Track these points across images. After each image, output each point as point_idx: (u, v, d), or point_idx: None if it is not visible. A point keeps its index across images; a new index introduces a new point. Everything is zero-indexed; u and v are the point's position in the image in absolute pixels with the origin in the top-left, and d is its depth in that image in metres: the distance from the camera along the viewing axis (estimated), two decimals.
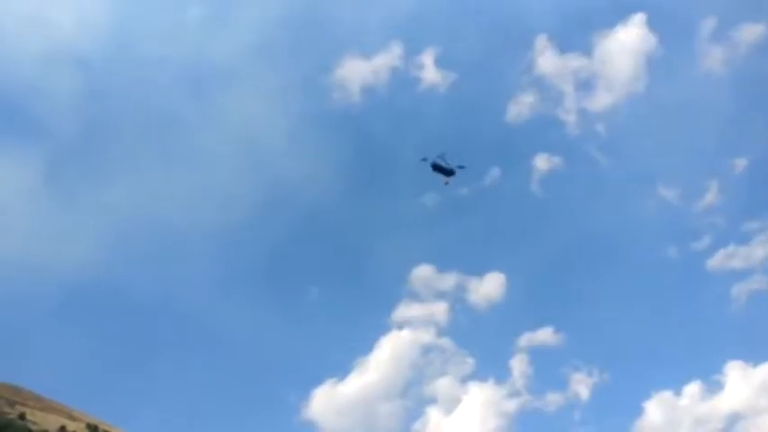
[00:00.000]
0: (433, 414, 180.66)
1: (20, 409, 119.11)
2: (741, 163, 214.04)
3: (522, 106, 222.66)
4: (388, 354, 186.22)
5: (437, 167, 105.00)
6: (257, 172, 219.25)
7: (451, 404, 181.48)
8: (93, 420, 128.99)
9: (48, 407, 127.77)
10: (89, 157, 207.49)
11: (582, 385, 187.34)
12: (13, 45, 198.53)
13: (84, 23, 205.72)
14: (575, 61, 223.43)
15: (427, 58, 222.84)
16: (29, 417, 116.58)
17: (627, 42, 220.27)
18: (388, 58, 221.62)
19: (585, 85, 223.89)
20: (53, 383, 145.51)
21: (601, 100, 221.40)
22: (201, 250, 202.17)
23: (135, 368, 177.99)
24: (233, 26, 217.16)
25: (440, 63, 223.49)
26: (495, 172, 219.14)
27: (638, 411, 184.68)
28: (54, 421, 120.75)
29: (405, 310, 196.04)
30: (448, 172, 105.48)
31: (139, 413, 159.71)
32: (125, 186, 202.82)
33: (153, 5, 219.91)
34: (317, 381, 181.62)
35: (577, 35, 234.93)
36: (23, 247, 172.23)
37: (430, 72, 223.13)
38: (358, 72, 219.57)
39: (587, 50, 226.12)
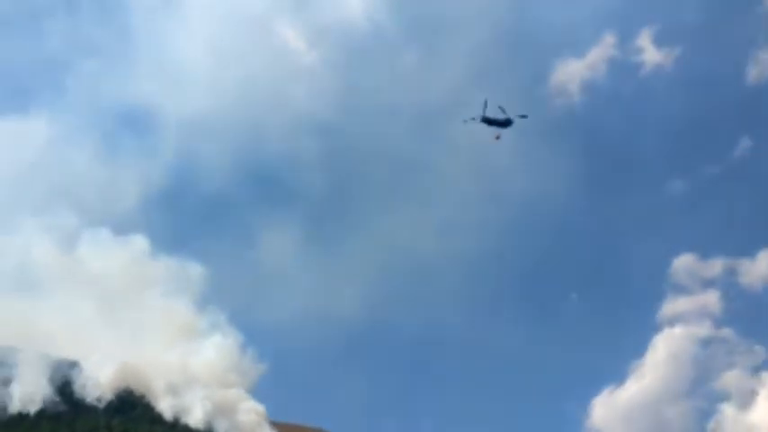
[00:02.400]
0: (728, 411, 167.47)
1: None
2: None
3: (762, 65, 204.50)
4: (664, 353, 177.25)
5: (489, 121, 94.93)
6: (495, 193, 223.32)
7: (747, 398, 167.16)
8: None
9: None
10: (342, 210, 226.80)
11: None
12: (263, 121, 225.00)
13: (317, 91, 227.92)
14: None
15: (644, 40, 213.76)
16: None
17: None
18: (603, 50, 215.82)
19: None
20: (348, 423, 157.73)
21: None
22: (459, 278, 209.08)
23: (418, 400, 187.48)
24: (446, 59, 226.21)
25: (659, 41, 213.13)
26: (744, 142, 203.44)
27: None
28: None
29: (672, 306, 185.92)
30: (503, 123, 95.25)
31: None
32: (378, 231, 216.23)
33: (371, 60, 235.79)
34: (595, 389, 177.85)
35: None
36: (304, 302, 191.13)
37: (650, 53, 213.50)
38: (574, 72, 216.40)
39: None
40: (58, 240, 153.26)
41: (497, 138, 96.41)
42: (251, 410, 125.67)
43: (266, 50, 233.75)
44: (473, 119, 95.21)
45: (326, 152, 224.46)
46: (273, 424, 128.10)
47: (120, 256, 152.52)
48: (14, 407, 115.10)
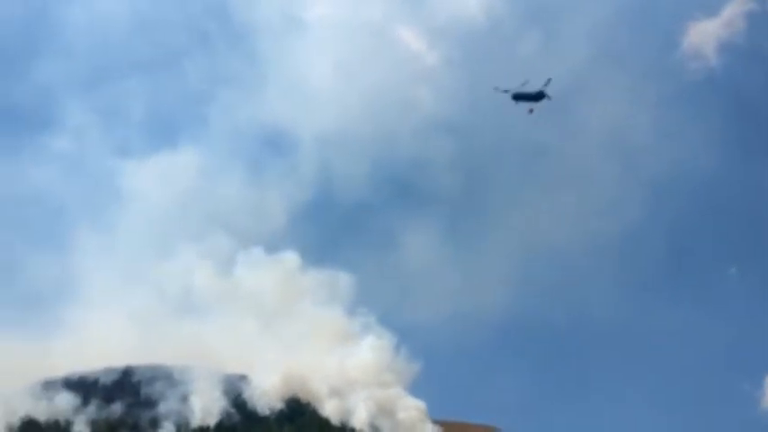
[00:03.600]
0: None
1: None
2: None
3: None
4: None
5: (520, 97, 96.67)
6: (634, 170, 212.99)
7: None
8: None
9: None
10: (477, 205, 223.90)
11: None
12: (392, 126, 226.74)
13: (441, 91, 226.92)
14: None
15: None
16: None
17: None
18: (739, 5, 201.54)
19: None
20: (504, 417, 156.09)
21: None
22: (605, 263, 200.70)
23: (574, 391, 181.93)
24: (568, 42, 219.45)
25: None
26: None
27: None
28: None
29: None
30: (535, 97, 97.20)
31: None
32: (516, 223, 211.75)
33: (492, 53, 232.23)
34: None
35: None
36: (449, 299, 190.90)
37: None
38: (709, 33, 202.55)
39: None
40: (216, 263, 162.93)
41: (531, 111, 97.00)
42: (411, 408, 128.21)
43: (388, 56, 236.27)
44: (505, 91, 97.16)
45: (457, 150, 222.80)
46: (432, 421, 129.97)
47: (273, 273, 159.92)
48: (196, 420, 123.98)
